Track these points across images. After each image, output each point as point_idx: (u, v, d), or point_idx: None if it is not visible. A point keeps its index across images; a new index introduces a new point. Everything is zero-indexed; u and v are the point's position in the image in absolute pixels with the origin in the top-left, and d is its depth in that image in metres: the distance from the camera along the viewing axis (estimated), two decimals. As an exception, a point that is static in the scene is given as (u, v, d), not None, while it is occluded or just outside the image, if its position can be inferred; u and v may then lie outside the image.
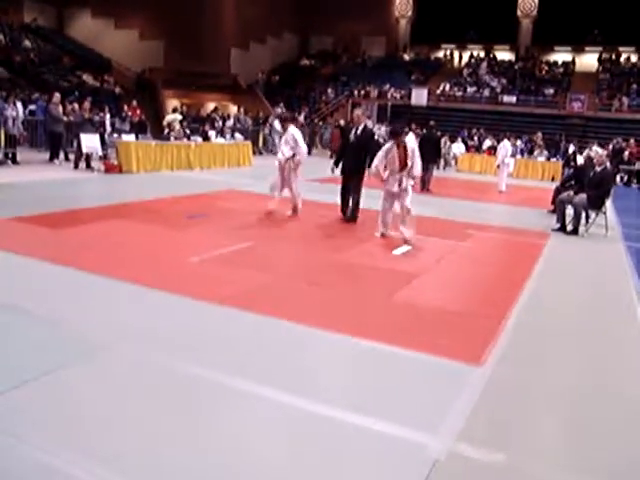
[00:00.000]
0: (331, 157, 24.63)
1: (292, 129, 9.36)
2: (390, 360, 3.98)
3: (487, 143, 23.55)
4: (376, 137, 12.64)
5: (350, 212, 9.06)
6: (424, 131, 16.55)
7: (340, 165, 9.20)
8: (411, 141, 7.80)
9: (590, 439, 3.16)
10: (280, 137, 23.17)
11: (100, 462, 2.60)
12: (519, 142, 21.74)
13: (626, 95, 27.94)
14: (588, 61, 33.88)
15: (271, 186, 9.50)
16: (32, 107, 17.66)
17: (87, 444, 2.74)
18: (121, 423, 2.96)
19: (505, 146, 15.73)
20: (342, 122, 25.61)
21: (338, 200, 9.41)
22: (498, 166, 15.85)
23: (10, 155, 13.65)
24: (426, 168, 14.23)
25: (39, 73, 24.67)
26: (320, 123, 27.47)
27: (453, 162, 22.68)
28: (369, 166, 8.54)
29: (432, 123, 16.27)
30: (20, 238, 6.60)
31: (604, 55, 33.26)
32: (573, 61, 33.74)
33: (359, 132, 8.94)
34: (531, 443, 3.07)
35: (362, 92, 32.40)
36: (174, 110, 19.26)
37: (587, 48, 34.60)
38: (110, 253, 6.25)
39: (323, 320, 4.55)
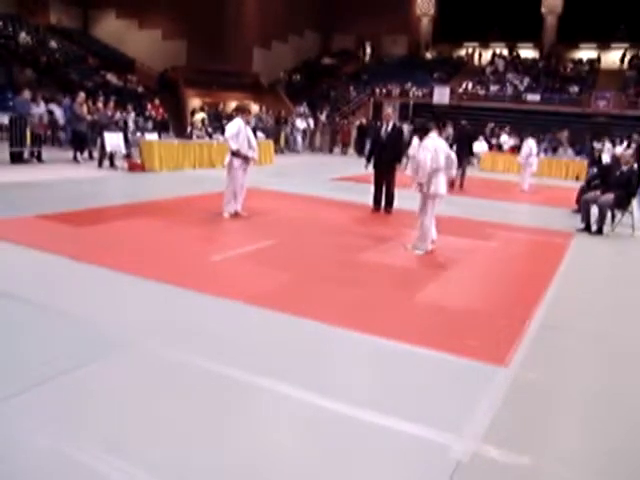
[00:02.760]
0: (343, 153, 24.75)
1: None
2: (413, 360, 3.95)
3: (510, 142, 23.28)
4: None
5: (385, 205, 9.81)
6: (453, 130, 16.58)
7: (372, 161, 9.89)
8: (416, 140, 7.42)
9: (615, 443, 3.10)
10: (303, 135, 23.52)
11: (123, 456, 2.62)
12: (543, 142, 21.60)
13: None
14: (614, 58, 33.30)
15: (228, 202, 8.48)
16: (52, 107, 17.83)
17: (110, 440, 2.76)
18: (144, 420, 2.99)
19: (529, 144, 15.48)
20: (364, 121, 25.58)
21: (361, 198, 9.87)
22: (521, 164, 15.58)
23: (35, 153, 13.86)
24: (458, 167, 14.34)
25: (65, 73, 25.04)
26: (345, 121, 27.38)
27: (475, 161, 22.45)
28: (400, 160, 9.50)
29: (463, 122, 16.20)
30: (44, 235, 6.69)
31: (631, 52, 32.62)
32: (599, 58, 33.19)
33: (389, 129, 9.69)
34: (556, 446, 3.02)
35: (384, 91, 32.29)
36: (201, 109, 19.42)
37: (613, 45, 34.01)
38: (132, 251, 6.30)
39: (346, 319, 4.53)
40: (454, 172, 7.53)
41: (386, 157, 9.57)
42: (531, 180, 15.54)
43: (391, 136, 9.64)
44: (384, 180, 9.75)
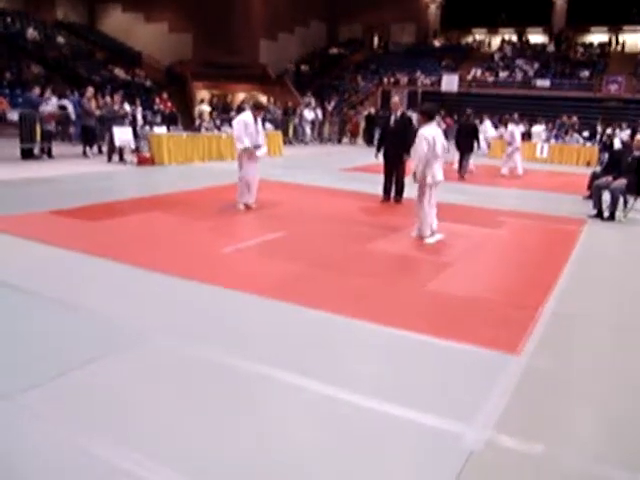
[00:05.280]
0: (351, 143, 24.71)
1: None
2: (425, 349, 3.94)
3: (520, 129, 23.06)
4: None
5: (395, 194, 9.79)
6: (460, 118, 16.46)
7: (382, 151, 9.84)
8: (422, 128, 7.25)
9: (628, 431, 3.09)
10: (311, 126, 23.44)
11: (139, 450, 2.65)
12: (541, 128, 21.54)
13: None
14: (627, 41, 32.87)
15: (241, 194, 8.53)
16: (62, 102, 17.91)
17: (124, 433, 2.79)
18: (157, 413, 3.01)
19: (513, 131, 15.34)
20: (372, 110, 25.46)
21: (370, 189, 9.86)
22: (518, 149, 15.24)
23: (46, 149, 13.94)
24: (462, 156, 14.16)
25: (72, 68, 25.11)
26: (353, 111, 27.26)
27: (486, 148, 22.24)
28: (408, 151, 9.12)
29: (469, 111, 16.05)
30: (57, 231, 6.74)
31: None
32: (609, 42, 32.78)
33: (398, 118, 9.59)
34: (568, 434, 3.02)
35: (392, 79, 32.11)
36: (201, 101, 19.41)
37: (625, 27, 33.54)
38: (145, 245, 6.33)
39: (357, 310, 4.53)
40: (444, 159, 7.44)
41: (395, 147, 9.51)
42: (538, 166, 15.36)
43: (400, 125, 9.55)
44: (394, 170, 9.70)
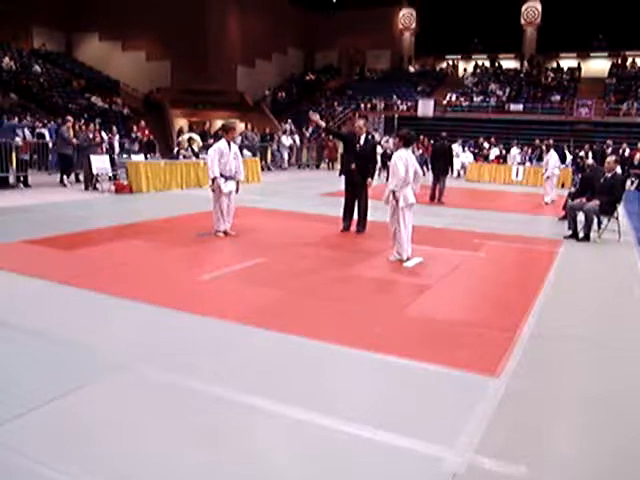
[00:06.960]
0: (329, 168, 24.87)
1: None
2: (405, 373, 3.94)
3: (495, 152, 23.50)
4: (382, 149, 12.82)
5: (358, 223, 9.31)
6: (435, 142, 16.69)
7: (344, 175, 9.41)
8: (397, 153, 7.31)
9: (609, 449, 3.10)
10: (289, 152, 23.58)
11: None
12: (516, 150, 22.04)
13: (634, 99, 27.87)
14: (594, 66, 33.91)
15: (217, 221, 8.49)
16: (41, 130, 17.85)
17: (105, 464, 2.73)
18: (137, 444, 2.95)
19: (553, 156, 14.89)
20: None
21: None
22: (548, 177, 14.89)
23: (22, 178, 13.81)
24: (437, 179, 14.26)
25: (49, 97, 25.04)
26: (329, 137, 27.46)
27: (462, 172, 22.59)
28: (371, 175, 9.03)
29: (444, 134, 16.27)
30: (32, 261, 6.64)
31: (610, 60, 33.32)
32: (579, 67, 33.76)
33: (362, 142, 9.12)
34: (551, 454, 3.02)
35: (369, 105, 32.55)
36: (190, 129, 19.44)
37: (592, 54, 34.65)
38: (122, 273, 6.27)
39: (337, 335, 4.52)
40: (418, 186, 7.36)
41: (360, 170, 9.04)
42: (518, 189, 15.56)
43: (363, 150, 9.06)
44: (355, 197, 9.25)
